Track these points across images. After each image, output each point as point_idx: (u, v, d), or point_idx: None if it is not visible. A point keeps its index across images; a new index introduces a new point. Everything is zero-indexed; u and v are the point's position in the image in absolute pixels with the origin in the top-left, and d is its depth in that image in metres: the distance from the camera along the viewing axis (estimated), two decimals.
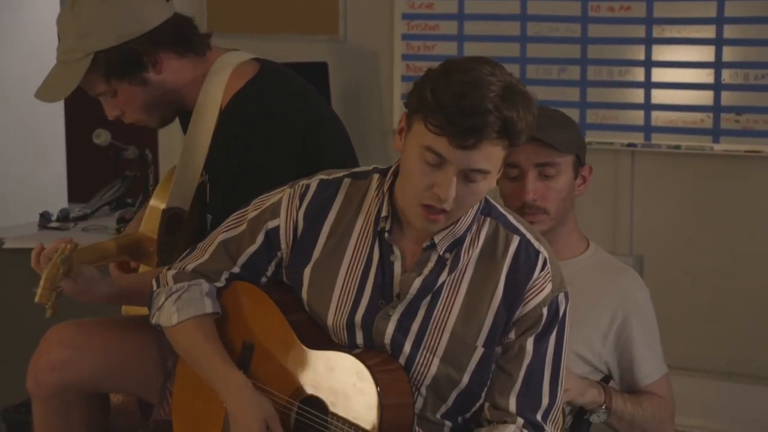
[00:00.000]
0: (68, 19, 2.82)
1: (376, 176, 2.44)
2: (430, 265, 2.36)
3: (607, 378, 2.84)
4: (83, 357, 2.79)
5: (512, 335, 2.37)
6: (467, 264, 2.37)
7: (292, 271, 2.48)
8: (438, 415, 2.40)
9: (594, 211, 4.33)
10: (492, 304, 2.35)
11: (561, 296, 2.38)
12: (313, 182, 2.47)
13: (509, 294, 2.35)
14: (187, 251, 2.57)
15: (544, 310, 2.36)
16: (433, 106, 2.19)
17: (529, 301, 2.35)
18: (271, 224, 2.47)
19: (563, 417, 2.67)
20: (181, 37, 2.85)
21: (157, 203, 2.95)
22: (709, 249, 4.57)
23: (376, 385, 2.29)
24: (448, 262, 2.36)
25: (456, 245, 2.36)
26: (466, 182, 2.23)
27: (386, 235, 2.37)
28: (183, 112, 2.96)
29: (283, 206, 2.46)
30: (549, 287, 2.36)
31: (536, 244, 2.39)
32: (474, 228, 2.38)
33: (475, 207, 2.36)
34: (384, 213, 2.37)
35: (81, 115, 5.86)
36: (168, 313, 2.49)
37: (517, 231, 2.39)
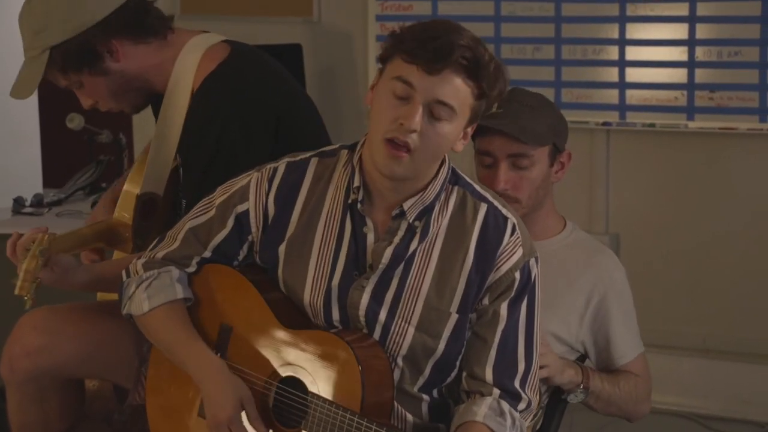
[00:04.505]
0: (24, 16, 2.82)
1: (344, 152, 2.46)
2: (401, 233, 2.38)
3: (582, 357, 2.85)
4: (57, 343, 2.78)
5: (486, 301, 2.39)
6: (437, 232, 2.39)
7: (266, 253, 2.48)
8: (416, 388, 2.41)
9: (570, 190, 4.34)
10: (463, 271, 2.37)
11: (532, 261, 2.41)
12: (281, 165, 2.47)
13: (480, 260, 2.37)
14: (156, 240, 2.57)
15: (517, 275, 2.38)
16: (406, 38, 2.27)
17: (501, 266, 2.37)
18: (240, 208, 2.47)
19: (540, 396, 2.68)
20: (135, 23, 2.82)
21: (131, 188, 2.94)
22: (684, 226, 4.59)
23: (358, 362, 2.30)
24: (418, 230, 2.38)
25: (425, 213, 2.38)
26: (431, 120, 2.27)
27: (359, 205, 2.38)
28: (154, 96, 2.94)
29: (252, 190, 2.46)
30: (520, 252, 2.39)
31: (504, 210, 2.42)
32: (443, 196, 2.40)
33: (443, 175, 2.39)
34: (356, 183, 2.39)
35: (55, 99, 5.83)
36: (139, 301, 2.49)
37: (484, 199, 2.42)
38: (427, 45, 2.24)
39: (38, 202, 4.76)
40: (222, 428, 2.38)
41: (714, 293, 4.56)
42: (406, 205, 2.36)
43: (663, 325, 4.52)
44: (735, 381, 4.48)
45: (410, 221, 2.37)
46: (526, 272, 2.39)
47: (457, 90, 2.26)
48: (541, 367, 2.59)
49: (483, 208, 2.40)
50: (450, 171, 2.41)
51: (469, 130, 2.36)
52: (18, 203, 4.73)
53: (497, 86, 2.31)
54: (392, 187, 2.36)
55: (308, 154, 2.49)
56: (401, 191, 2.37)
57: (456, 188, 2.42)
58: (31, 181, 6.12)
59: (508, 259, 2.37)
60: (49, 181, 6.04)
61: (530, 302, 2.41)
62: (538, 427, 2.77)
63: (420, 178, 2.36)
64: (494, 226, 2.39)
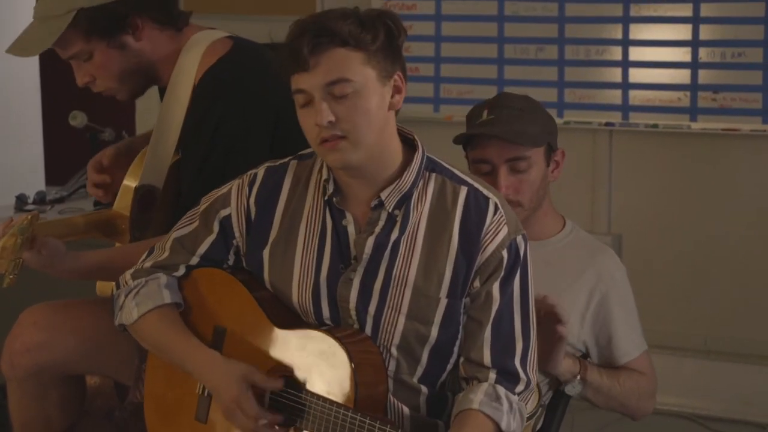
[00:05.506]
0: None
1: None
2: (381, 223, 2.39)
3: (585, 357, 2.85)
4: (57, 339, 2.78)
5: (477, 283, 2.39)
6: (419, 219, 2.40)
7: (251, 257, 2.50)
8: (415, 379, 2.42)
9: (572, 190, 4.34)
10: (449, 255, 2.37)
11: (519, 238, 2.41)
12: (260, 170, 2.51)
13: (465, 243, 2.38)
14: (147, 253, 2.59)
15: (504, 253, 2.38)
16: (280, 61, 2.34)
17: (487, 246, 2.38)
18: (223, 213, 2.50)
19: (539, 392, 2.68)
20: (165, 7, 2.84)
21: (130, 181, 2.95)
22: (687, 227, 4.58)
23: (349, 358, 2.31)
24: (398, 219, 2.39)
25: (404, 201, 2.39)
26: (338, 101, 2.29)
27: (334, 199, 2.40)
28: (156, 86, 2.95)
29: (233, 195, 2.50)
30: (505, 230, 2.38)
31: (485, 191, 2.42)
32: (420, 184, 2.40)
33: (417, 162, 2.40)
34: (325, 176, 2.41)
35: (57, 97, 5.83)
36: (128, 310, 2.52)
37: (464, 182, 2.43)
38: (297, 55, 2.28)
39: (41, 199, 4.79)
40: (233, 411, 2.38)
41: (716, 294, 4.55)
42: (383, 195, 2.38)
43: (664, 326, 4.51)
44: (736, 382, 4.48)
45: (389, 211, 2.38)
46: (513, 250, 2.39)
47: (336, 63, 2.28)
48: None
49: (463, 191, 2.41)
50: (425, 158, 2.42)
51: (398, 79, 2.36)
52: (21, 200, 4.76)
53: (378, 29, 2.31)
54: (357, 175, 2.37)
55: (287, 158, 2.52)
56: (371, 181, 2.38)
57: (434, 175, 2.42)
58: (33, 179, 6.13)
59: (493, 239, 2.37)
60: (51, 178, 6.05)
61: (522, 280, 2.41)
62: (539, 426, 2.77)
63: (383, 160, 2.37)
64: (476, 207, 2.39)
